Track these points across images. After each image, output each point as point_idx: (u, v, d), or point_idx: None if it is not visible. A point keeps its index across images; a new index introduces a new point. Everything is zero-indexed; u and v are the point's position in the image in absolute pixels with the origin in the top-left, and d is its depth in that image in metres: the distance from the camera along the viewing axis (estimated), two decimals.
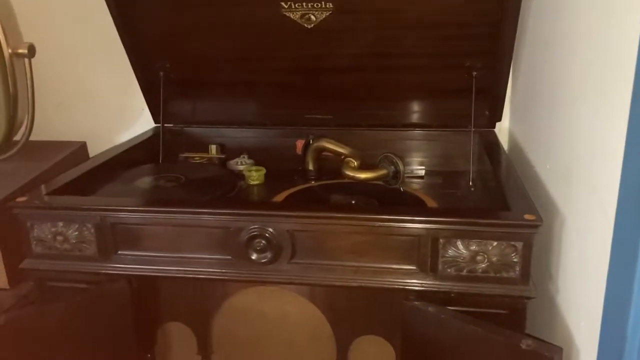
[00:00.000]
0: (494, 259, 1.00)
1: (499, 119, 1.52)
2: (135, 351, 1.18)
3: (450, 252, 1.01)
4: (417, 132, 1.56)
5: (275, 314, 1.17)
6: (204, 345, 1.21)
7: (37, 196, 1.16)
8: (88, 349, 1.13)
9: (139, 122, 1.75)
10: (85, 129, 1.78)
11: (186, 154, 1.59)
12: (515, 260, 0.99)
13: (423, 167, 1.52)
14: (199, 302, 1.19)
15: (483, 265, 1.01)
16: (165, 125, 1.60)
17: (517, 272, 1.00)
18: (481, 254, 1.00)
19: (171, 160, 1.57)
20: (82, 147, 1.71)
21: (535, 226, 0.97)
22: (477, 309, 1.02)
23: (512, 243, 0.98)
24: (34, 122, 1.54)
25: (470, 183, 1.37)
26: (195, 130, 1.66)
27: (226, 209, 1.08)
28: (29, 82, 1.48)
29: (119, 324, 1.15)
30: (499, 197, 1.10)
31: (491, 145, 1.46)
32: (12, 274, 1.33)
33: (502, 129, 1.60)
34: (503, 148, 1.46)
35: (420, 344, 1.03)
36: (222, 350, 1.22)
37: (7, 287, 1.33)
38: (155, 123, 1.64)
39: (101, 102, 1.80)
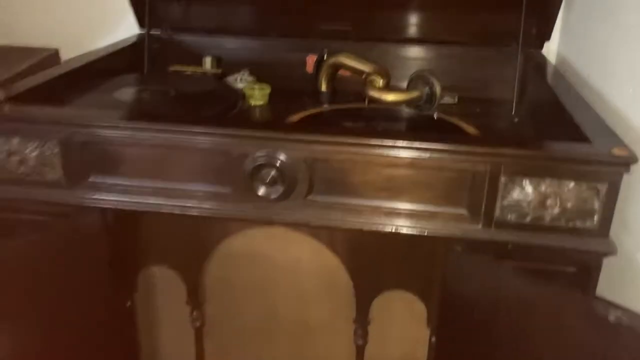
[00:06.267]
0: (569, 204, 0.81)
1: (548, 38, 1.30)
2: (112, 299, 1.00)
3: (515, 193, 0.80)
4: (449, 51, 1.33)
5: (284, 260, 0.99)
6: (194, 294, 1.04)
7: None
8: (53, 296, 0.93)
9: (122, 28, 1.51)
10: (58, 34, 1.55)
11: (176, 67, 1.38)
12: (594, 207, 0.80)
13: (455, 94, 1.28)
14: (189, 243, 1.02)
15: (554, 212, 0.81)
16: (152, 32, 1.37)
17: (595, 222, 0.82)
18: (553, 196, 0.79)
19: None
20: (54, 55, 1.51)
21: (627, 164, 0.78)
22: (538, 266, 0.83)
23: (595, 185, 0.79)
24: None
25: (513, 113, 1.15)
26: (186, 39, 1.42)
27: (227, 129, 0.87)
28: None
29: (91, 267, 0.96)
30: (567, 129, 0.88)
31: (540, 68, 1.23)
32: None
33: (550, 51, 1.36)
34: (558, 71, 1.23)
35: (465, 305, 0.84)
36: (216, 300, 1.04)
37: None
38: (140, 28, 1.42)
39: (78, 3, 1.56)
